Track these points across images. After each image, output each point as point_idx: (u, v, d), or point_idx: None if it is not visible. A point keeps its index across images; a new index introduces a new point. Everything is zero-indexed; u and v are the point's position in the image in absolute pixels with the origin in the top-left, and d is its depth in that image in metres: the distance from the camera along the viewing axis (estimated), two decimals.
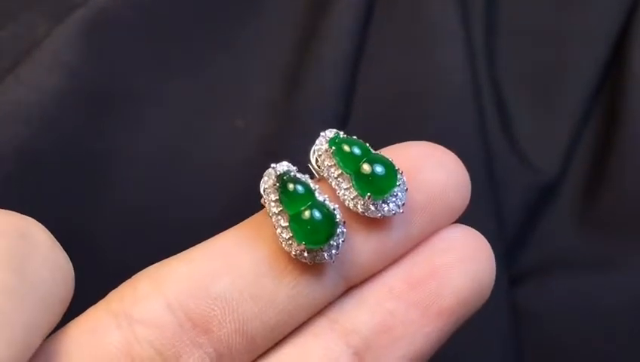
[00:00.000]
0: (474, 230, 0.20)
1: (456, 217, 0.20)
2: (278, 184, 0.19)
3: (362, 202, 0.19)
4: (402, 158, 0.19)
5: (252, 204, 0.20)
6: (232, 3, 0.35)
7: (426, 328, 0.19)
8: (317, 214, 0.18)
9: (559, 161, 0.33)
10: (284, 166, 0.19)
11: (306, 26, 0.35)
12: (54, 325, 0.18)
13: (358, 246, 0.19)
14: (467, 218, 0.20)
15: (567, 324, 0.31)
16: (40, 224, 0.18)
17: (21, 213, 0.18)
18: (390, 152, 0.20)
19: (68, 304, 0.18)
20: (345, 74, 0.33)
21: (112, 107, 0.32)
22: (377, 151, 0.20)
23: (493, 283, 0.20)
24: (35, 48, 0.31)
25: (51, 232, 0.18)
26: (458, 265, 0.19)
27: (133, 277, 0.19)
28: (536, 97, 0.34)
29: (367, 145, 0.19)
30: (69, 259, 0.18)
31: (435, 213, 0.19)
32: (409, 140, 0.20)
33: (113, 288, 0.19)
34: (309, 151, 0.20)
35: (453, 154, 0.20)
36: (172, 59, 0.33)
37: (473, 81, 0.33)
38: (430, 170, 0.19)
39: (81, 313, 0.19)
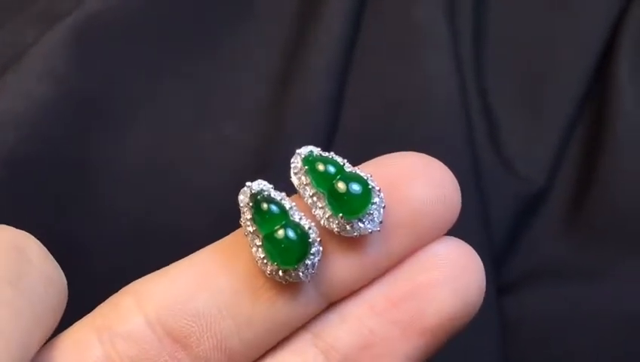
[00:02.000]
0: (463, 243, 0.19)
1: (444, 231, 0.19)
2: (251, 203, 0.19)
3: (337, 221, 0.19)
4: (388, 171, 0.19)
5: (239, 213, 0.19)
6: (220, 11, 0.35)
7: (407, 346, 0.19)
8: (290, 234, 0.18)
9: (546, 170, 0.33)
10: (258, 184, 0.19)
11: (296, 33, 0.35)
12: (48, 337, 0.18)
13: (336, 264, 0.19)
14: (454, 228, 0.20)
15: (555, 333, 0.31)
16: (34, 238, 0.18)
17: (9, 220, 0.18)
18: (376, 165, 0.19)
19: (61, 316, 0.18)
20: (334, 81, 0.34)
21: (100, 114, 0.32)
22: (365, 163, 0.19)
23: (481, 298, 0.19)
24: (24, 55, 0.31)
25: (39, 239, 0.19)
26: (443, 283, 0.19)
27: (118, 292, 0.19)
28: (523, 106, 0.34)
29: (344, 161, 0.19)
30: (62, 272, 0.19)
31: (421, 229, 0.19)
32: (397, 149, 0.20)
33: (100, 295, 0.20)
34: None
35: (442, 165, 0.19)
36: (160, 67, 0.33)
37: (461, 90, 0.33)
38: (416, 185, 0.19)
39: (66, 321, 0.19)
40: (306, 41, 0.34)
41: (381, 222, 0.18)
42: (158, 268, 0.20)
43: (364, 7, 0.35)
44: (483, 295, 0.19)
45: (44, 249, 0.18)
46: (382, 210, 0.18)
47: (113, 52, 0.33)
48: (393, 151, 0.20)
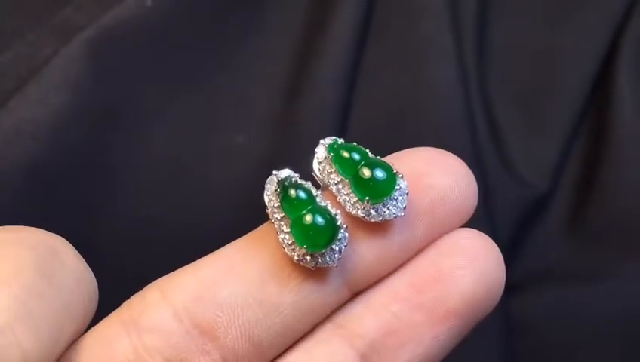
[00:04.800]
0: (481, 233, 0.20)
1: (464, 221, 0.20)
2: (279, 190, 0.19)
3: (362, 207, 0.19)
4: (408, 163, 0.19)
5: (252, 218, 0.20)
6: (232, 24, 0.35)
7: (433, 331, 0.19)
8: (318, 218, 0.18)
9: (549, 175, 0.34)
10: (285, 172, 0.19)
11: (305, 43, 0.35)
12: (80, 332, 0.19)
13: (361, 250, 0.19)
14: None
15: (558, 334, 0.31)
16: (65, 240, 0.19)
17: (31, 226, 0.19)
18: (396, 158, 0.20)
19: (92, 314, 0.19)
20: (342, 91, 0.34)
21: (116, 124, 0.33)
22: (382, 158, 0.20)
23: (503, 284, 0.19)
24: (42, 67, 0.32)
25: None
26: (465, 267, 0.19)
27: (144, 288, 0.20)
28: (526, 113, 0.35)
29: (367, 150, 0.19)
30: (92, 273, 0.19)
31: (441, 217, 0.19)
32: None
33: (119, 297, 0.20)
34: (310, 163, 0.20)
35: (458, 158, 0.20)
36: (174, 76, 0.34)
37: (466, 99, 0.34)
38: (435, 174, 0.19)
39: (92, 321, 0.20)
40: (314, 52, 0.35)
41: (405, 208, 0.19)
42: (175, 269, 0.20)
43: (370, 19, 0.36)
44: (504, 281, 0.19)
45: (76, 251, 0.19)
46: (406, 195, 0.19)
47: (129, 64, 0.33)
48: None
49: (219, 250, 0.20)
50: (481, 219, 0.32)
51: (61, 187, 0.31)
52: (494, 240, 0.32)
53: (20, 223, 0.19)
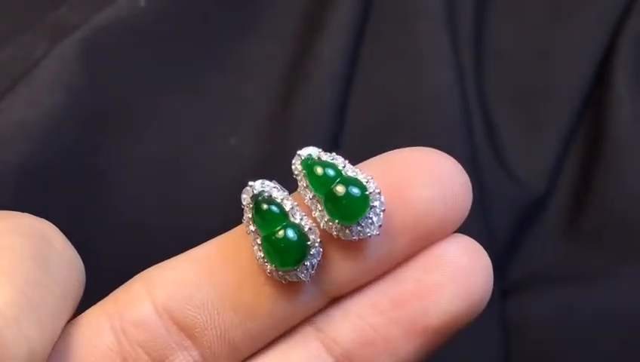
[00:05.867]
0: (470, 240, 0.19)
1: (452, 230, 0.19)
2: (252, 204, 0.19)
3: (335, 226, 0.18)
4: (391, 169, 0.19)
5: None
6: (227, 26, 0.35)
7: (409, 344, 0.19)
8: (289, 235, 0.18)
9: (546, 177, 0.34)
10: (259, 185, 0.19)
11: (300, 46, 0.35)
12: (72, 314, 0.19)
13: (337, 265, 0.19)
14: (458, 231, 0.19)
15: (555, 336, 0.31)
16: (53, 225, 0.19)
17: None
18: (379, 162, 0.19)
19: (81, 296, 0.19)
20: (338, 94, 0.34)
21: (109, 124, 0.32)
22: (371, 159, 0.19)
23: (487, 297, 0.19)
24: (35, 68, 0.32)
25: None
26: (447, 285, 0.18)
27: (130, 280, 0.20)
28: (523, 115, 0.35)
29: (345, 163, 0.19)
30: (79, 255, 0.19)
31: (424, 230, 0.19)
32: None
33: (129, 280, 0.20)
34: None
35: (450, 160, 0.19)
36: (168, 78, 0.34)
37: (462, 100, 0.34)
38: (420, 184, 0.18)
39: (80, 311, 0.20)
40: (309, 54, 0.35)
41: (380, 226, 0.18)
42: None
43: (366, 21, 0.36)
44: (489, 293, 0.19)
45: (63, 235, 0.19)
46: (382, 213, 0.18)
47: (122, 65, 0.33)
48: None
49: (200, 246, 0.20)
50: (478, 221, 0.32)
51: (53, 188, 0.31)
52: (491, 242, 0.32)
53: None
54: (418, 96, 0.34)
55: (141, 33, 0.34)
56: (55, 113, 0.31)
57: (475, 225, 0.31)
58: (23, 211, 0.30)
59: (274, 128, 0.34)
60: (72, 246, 0.19)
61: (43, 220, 0.19)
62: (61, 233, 0.19)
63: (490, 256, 0.31)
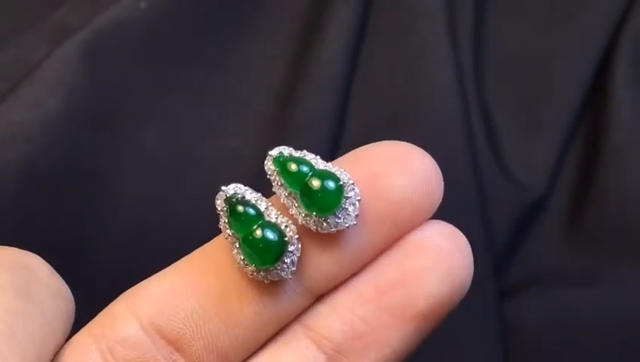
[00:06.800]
0: (447, 225, 0.19)
1: (425, 219, 0.19)
2: (227, 207, 0.19)
3: (313, 219, 0.19)
4: (366, 163, 0.19)
5: None
6: (227, 26, 0.35)
7: (399, 332, 0.19)
8: (266, 234, 0.18)
9: (546, 178, 0.34)
10: (232, 188, 0.19)
11: (300, 46, 0.35)
12: (59, 348, 0.19)
13: (317, 259, 0.19)
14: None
15: (554, 338, 0.31)
16: (40, 258, 0.19)
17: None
18: (355, 157, 0.19)
19: (71, 327, 0.19)
20: (337, 94, 0.34)
21: (110, 125, 0.33)
22: (343, 156, 0.19)
23: (470, 277, 0.19)
24: (36, 70, 0.32)
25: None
26: (431, 268, 0.19)
27: (111, 303, 0.20)
28: (522, 116, 0.35)
29: (316, 159, 0.19)
30: (68, 288, 0.20)
31: (401, 219, 0.19)
32: None
33: (111, 300, 0.20)
34: None
35: (422, 152, 0.19)
36: (168, 78, 0.34)
37: (462, 101, 0.34)
38: (394, 174, 0.19)
39: (79, 328, 0.20)
40: (309, 54, 0.35)
41: (357, 216, 0.19)
42: None
43: (366, 21, 0.36)
44: (471, 274, 0.19)
45: (50, 267, 0.19)
46: (357, 203, 0.19)
47: (123, 66, 0.33)
48: None
49: (181, 260, 0.20)
50: (478, 222, 0.32)
51: (54, 189, 0.31)
52: (491, 243, 0.32)
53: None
54: (418, 96, 0.34)
55: (142, 35, 0.34)
56: (56, 114, 0.31)
57: (474, 226, 0.32)
58: (22, 211, 0.30)
59: (275, 128, 0.34)
60: (60, 278, 0.19)
61: (30, 254, 0.19)
62: (48, 265, 0.19)
63: (489, 257, 0.32)
